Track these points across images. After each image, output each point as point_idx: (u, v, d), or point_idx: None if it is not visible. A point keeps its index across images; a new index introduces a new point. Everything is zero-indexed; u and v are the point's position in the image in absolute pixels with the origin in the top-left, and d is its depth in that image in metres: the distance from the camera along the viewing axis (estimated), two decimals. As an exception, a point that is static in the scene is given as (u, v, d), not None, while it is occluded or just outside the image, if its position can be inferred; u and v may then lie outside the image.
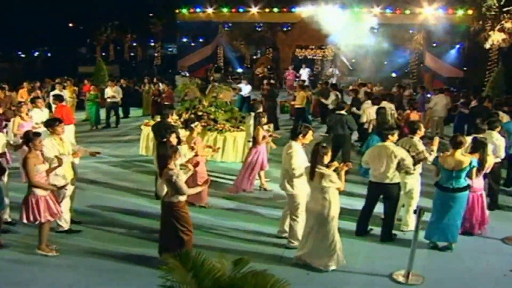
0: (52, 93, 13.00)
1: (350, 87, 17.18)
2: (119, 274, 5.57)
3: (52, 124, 6.56)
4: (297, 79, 20.41)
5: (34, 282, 5.42)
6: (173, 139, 6.62)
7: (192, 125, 7.60)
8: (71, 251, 6.09)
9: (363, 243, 6.47)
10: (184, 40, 27.88)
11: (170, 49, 37.88)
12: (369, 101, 11.42)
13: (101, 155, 7.58)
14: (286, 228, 6.40)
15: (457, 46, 22.26)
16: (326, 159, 5.53)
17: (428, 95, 15.29)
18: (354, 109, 11.97)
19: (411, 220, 6.57)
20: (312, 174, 5.46)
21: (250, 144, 8.75)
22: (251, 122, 8.87)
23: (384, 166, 6.20)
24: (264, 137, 8.31)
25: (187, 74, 20.65)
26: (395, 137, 6.48)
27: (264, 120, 8.37)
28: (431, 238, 6.29)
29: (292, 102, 14.83)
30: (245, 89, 16.03)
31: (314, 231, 5.56)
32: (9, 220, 6.81)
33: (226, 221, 7.17)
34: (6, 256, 5.94)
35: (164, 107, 8.58)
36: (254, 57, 30.04)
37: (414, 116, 10.11)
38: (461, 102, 13.29)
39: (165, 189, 5.82)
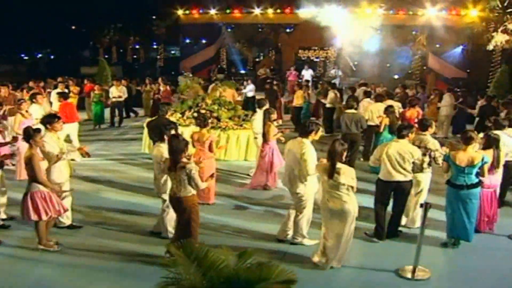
0: (55, 91, 13.01)
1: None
2: (121, 271, 5.50)
3: (51, 121, 6.48)
4: (300, 80, 20.36)
5: (35, 278, 5.36)
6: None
7: (209, 121, 7.57)
8: (73, 248, 6.02)
9: (368, 239, 6.38)
10: (187, 41, 27.86)
11: (172, 52, 37.91)
12: (368, 99, 11.38)
13: (90, 157, 7.54)
14: (300, 226, 6.19)
15: (461, 47, 22.20)
16: (344, 156, 5.45)
17: (432, 96, 15.30)
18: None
19: (418, 217, 6.48)
20: (332, 171, 5.32)
21: (258, 141, 8.71)
22: (255, 117, 8.84)
23: (400, 164, 6.04)
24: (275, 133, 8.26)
25: (190, 75, 20.61)
26: (414, 135, 6.41)
27: (274, 116, 8.33)
28: (454, 236, 6.15)
29: (293, 104, 14.80)
30: (249, 89, 16.05)
31: (334, 230, 5.41)
32: (5, 217, 6.74)
33: (229, 218, 7.11)
34: (6, 252, 5.89)
35: (162, 105, 8.54)
36: (257, 59, 30.03)
37: (412, 113, 10.07)
38: (459, 101, 13.44)
39: (170, 184, 5.77)
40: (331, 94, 13.85)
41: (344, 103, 12.71)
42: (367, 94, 12.07)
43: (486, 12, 19.42)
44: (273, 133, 8.25)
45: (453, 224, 6.12)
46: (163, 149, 6.01)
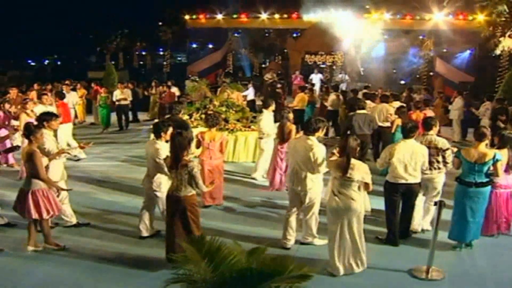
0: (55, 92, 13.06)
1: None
2: (126, 271, 5.41)
3: (48, 118, 6.41)
4: (307, 84, 20.28)
5: (40, 277, 5.29)
6: (168, 134, 6.08)
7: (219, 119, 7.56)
8: (77, 248, 5.96)
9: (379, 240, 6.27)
10: (194, 46, 27.90)
11: (179, 58, 38.05)
12: (368, 101, 11.36)
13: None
14: (310, 226, 6.09)
15: (468, 51, 22.10)
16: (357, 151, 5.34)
17: (437, 99, 15.33)
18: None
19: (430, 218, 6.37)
20: (346, 167, 5.16)
21: (263, 141, 8.62)
22: (261, 118, 8.80)
23: (411, 165, 5.89)
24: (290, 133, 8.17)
25: (197, 79, 20.63)
26: (417, 135, 6.30)
27: (291, 115, 8.25)
28: (457, 239, 6.01)
29: (291, 105, 14.73)
30: (248, 92, 16.05)
31: (346, 230, 5.23)
32: None
33: (237, 220, 7.02)
34: (11, 251, 5.83)
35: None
36: (263, 65, 30.00)
37: (418, 115, 9.98)
38: (463, 104, 13.62)
39: (165, 183, 5.77)
40: (332, 97, 13.92)
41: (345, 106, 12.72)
42: (366, 96, 12.05)
43: (493, 17, 19.30)
44: (294, 132, 8.13)
45: (455, 224, 5.98)
46: (159, 146, 5.93)
